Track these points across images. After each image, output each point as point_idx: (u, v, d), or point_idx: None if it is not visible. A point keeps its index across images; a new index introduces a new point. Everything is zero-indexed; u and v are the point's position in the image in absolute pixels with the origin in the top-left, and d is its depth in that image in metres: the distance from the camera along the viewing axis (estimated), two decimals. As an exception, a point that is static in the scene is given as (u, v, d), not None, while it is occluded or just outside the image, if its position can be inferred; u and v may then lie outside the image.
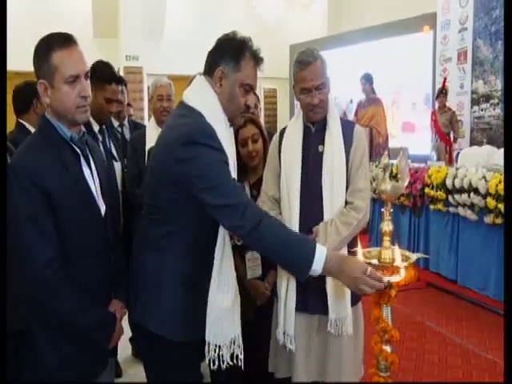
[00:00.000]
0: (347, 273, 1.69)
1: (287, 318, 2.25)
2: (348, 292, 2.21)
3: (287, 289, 2.26)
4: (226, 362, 1.76)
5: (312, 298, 2.25)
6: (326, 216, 2.24)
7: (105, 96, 2.69)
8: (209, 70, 1.82)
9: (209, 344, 1.75)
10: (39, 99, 2.46)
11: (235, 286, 1.83)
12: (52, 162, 1.64)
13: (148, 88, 9.10)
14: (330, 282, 2.23)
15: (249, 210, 1.66)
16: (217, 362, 1.74)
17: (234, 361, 1.78)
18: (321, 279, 2.22)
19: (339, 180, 2.24)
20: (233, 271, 1.81)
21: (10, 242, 1.62)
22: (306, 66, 2.21)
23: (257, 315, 2.50)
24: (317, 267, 1.69)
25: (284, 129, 2.44)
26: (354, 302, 2.29)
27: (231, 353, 1.77)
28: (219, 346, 1.75)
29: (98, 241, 1.76)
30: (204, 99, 1.77)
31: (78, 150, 1.74)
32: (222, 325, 1.75)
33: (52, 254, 1.61)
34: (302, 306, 2.26)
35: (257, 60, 1.82)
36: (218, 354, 1.75)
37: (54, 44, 1.65)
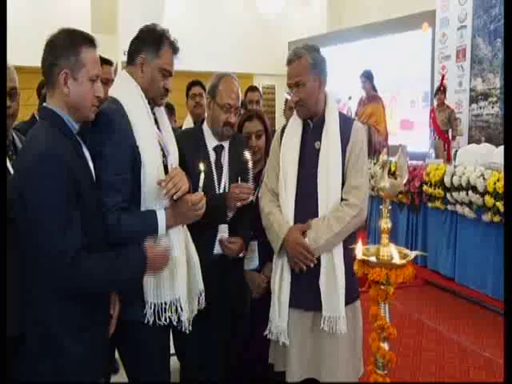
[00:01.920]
0: (181, 218, 1.93)
1: (280, 313, 2.26)
2: (342, 290, 2.20)
3: (280, 283, 2.27)
4: (164, 319, 1.91)
5: (306, 295, 2.25)
6: (321, 213, 2.24)
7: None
8: (131, 59, 2.02)
9: (147, 302, 1.90)
10: None
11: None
12: (70, 150, 1.67)
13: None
14: (323, 279, 2.22)
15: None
16: (152, 319, 1.90)
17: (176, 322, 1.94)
18: (314, 276, 2.23)
19: (334, 177, 2.24)
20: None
21: (25, 238, 1.61)
22: (288, 64, 2.30)
23: (256, 307, 2.51)
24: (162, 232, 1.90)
25: (286, 125, 2.47)
26: (351, 300, 2.28)
27: (176, 314, 1.93)
28: (159, 305, 1.91)
29: (101, 229, 1.78)
30: (124, 89, 1.98)
31: (81, 142, 1.76)
32: (159, 287, 1.91)
33: (82, 239, 1.63)
34: (296, 302, 2.26)
35: (174, 49, 2.03)
36: (155, 312, 1.90)
37: (82, 40, 1.71)
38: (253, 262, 2.57)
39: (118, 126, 1.86)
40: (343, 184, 2.27)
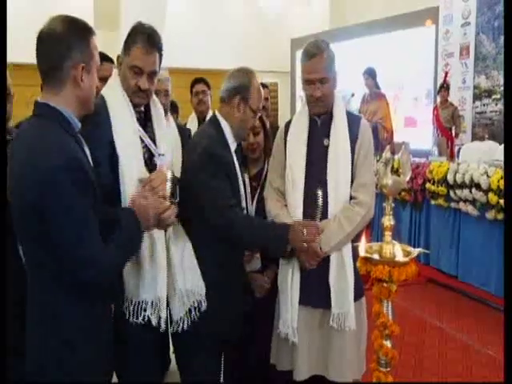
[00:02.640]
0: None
1: (291, 311, 2.24)
2: (351, 287, 2.20)
3: (292, 282, 2.25)
4: (143, 318, 1.92)
5: (315, 292, 2.24)
6: (330, 210, 2.22)
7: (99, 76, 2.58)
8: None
9: (127, 299, 1.93)
10: None
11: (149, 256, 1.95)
12: (79, 151, 1.59)
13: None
14: (333, 276, 2.22)
15: None
16: (132, 317, 1.92)
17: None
18: (324, 273, 2.22)
19: (344, 174, 2.23)
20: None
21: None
22: (310, 58, 2.21)
23: (257, 308, 2.50)
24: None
25: (290, 121, 2.43)
26: (358, 297, 2.27)
27: (157, 315, 1.94)
28: (138, 303, 1.93)
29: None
30: (110, 87, 2.05)
31: (82, 140, 1.69)
32: (141, 285, 1.93)
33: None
34: (305, 300, 2.25)
35: (145, 43, 1.97)
36: (135, 310, 1.93)
37: (87, 29, 1.61)
38: (255, 262, 2.56)
39: (98, 119, 1.88)
40: (352, 181, 2.25)
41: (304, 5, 11.67)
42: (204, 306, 2.08)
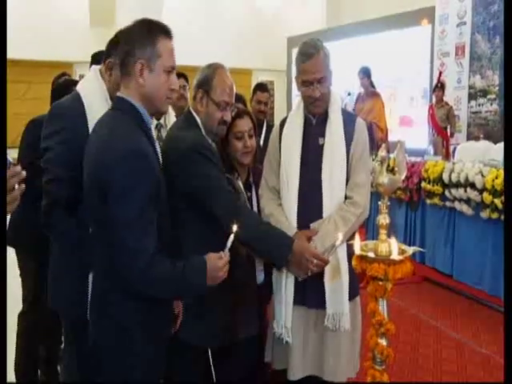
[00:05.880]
0: None
1: (285, 311, 2.23)
2: (346, 287, 2.19)
3: (286, 282, 2.24)
4: None
5: (310, 292, 2.23)
6: (326, 209, 2.20)
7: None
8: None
9: None
10: None
11: None
12: (149, 147, 1.63)
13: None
14: (328, 276, 2.20)
15: None
16: None
17: None
18: (319, 273, 2.20)
19: (339, 173, 2.21)
20: None
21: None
22: (308, 58, 2.17)
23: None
24: None
25: (285, 119, 2.41)
26: (352, 297, 2.27)
27: None
28: None
29: (167, 233, 1.75)
30: (86, 86, 2.14)
31: (153, 136, 1.73)
32: None
33: (156, 243, 1.58)
34: (299, 300, 2.24)
35: None
36: None
37: (158, 30, 1.67)
38: (258, 275, 2.44)
39: (75, 120, 2.00)
40: (347, 181, 2.24)
41: (300, 4, 11.68)
42: None
